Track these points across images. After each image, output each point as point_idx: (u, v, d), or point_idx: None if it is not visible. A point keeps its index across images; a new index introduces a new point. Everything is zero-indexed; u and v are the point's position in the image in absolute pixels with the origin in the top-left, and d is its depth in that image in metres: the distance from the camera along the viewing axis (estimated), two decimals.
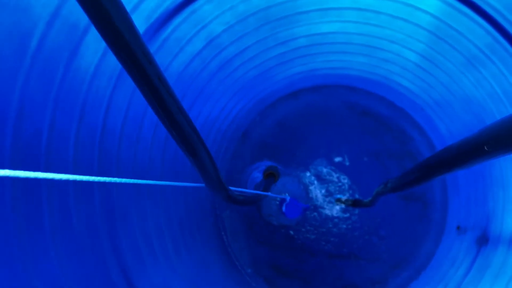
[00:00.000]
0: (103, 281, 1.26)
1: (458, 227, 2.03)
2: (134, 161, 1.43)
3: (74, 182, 1.16)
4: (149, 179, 1.63)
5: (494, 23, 1.27)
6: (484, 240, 1.74)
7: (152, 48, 1.34)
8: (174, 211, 1.70)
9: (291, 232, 2.26)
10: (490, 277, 1.61)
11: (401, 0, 1.40)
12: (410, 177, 0.95)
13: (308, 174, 2.26)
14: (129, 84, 1.32)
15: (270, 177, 1.95)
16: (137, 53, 0.50)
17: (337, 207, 2.26)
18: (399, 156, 2.25)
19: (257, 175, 1.91)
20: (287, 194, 1.72)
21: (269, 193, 1.49)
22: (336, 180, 2.26)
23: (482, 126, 0.67)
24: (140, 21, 1.25)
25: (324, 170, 2.27)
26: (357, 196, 2.25)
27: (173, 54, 1.45)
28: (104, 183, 1.28)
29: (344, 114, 2.28)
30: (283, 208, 1.65)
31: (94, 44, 1.09)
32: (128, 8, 0.79)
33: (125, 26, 0.47)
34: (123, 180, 0.70)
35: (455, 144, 0.71)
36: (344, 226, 2.24)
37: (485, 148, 0.61)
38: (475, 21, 1.33)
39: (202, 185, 1.10)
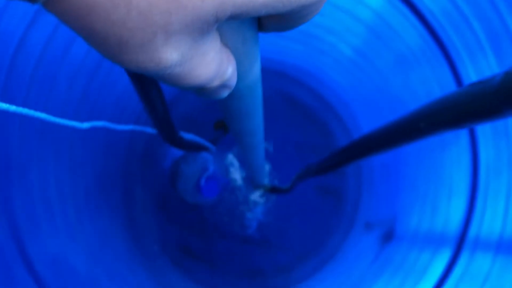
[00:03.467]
0: None
1: (366, 224, 2.12)
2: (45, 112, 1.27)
3: None
4: (58, 139, 1.48)
5: (428, 25, 1.33)
6: (389, 237, 1.83)
7: None
8: (81, 177, 1.56)
9: (205, 213, 2.21)
10: (390, 272, 1.69)
11: None
12: (339, 157, 0.95)
13: (230, 155, 2.22)
14: (49, 23, 1.17)
15: (220, 128, 1.86)
16: None
17: (256, 192, 2.25)
18: (320, 149, 2.30)
19: (177, 150, 1.82)
20: (211, 166, 1.66)
21: (213, 148, 1.42)
22: None
23: None
24: None
25: None
26: (276, 182, 2.27)
27: None
28: (2, 131, 1.13)
29: (274, 102, 2.27)
30: (202, 183, 1.59)
31: None
32: None
33: None
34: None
35: (390, 122, 0.71)
36: (259, 211, 2.25)
37: (421, 125, 0.60)
38: (411, 22, 1.37)
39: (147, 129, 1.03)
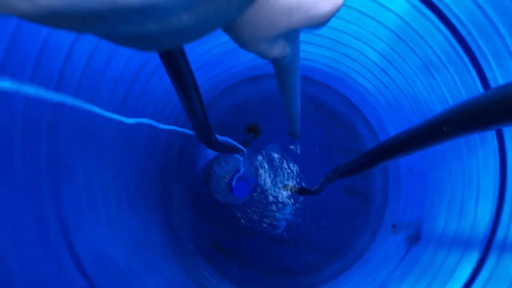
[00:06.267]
0: (40, 235, 1.20)
1: (393, 225, 2.14)
2: (89, 118, 1.38)
3: (23, 126, 1.10)
4: (102, 140, 1.59)
5: (454, 30, 1.35)
6: (415, 239, 1.85)
7: None
8: (122, 176, 1.66)
9: (236, 212, 2.28)
10: (417, 273, 1.71)
11: None
12: (366, 159, 1.00)
13: (260, 157, 2.29)
14: (92, 38, 1.27)
15: (251, 132, 1.98)
16: None
17: (284, 193, 2.31)
18: (348, 151, 2.34)
19: (210, 152, 1.90)
20: (242, 168, 1.73)
21: (245, 150, 1.50)
22: (286, 167, 2.31)
23: None
24: None
25: (276, 156, 2.31)
26: (304, 184, 2.32)
27: None
28: (52, 134, 1.23)
29: (302, 105, 2.33)
30: (233, 184, 1.66)
31: None
32: None
33: None
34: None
35: (414, 126, 0.76)
36: (288, 212, 2.30)
37: (444, 129, 0.65)
38: (436, 26, 1.40)
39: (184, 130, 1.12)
